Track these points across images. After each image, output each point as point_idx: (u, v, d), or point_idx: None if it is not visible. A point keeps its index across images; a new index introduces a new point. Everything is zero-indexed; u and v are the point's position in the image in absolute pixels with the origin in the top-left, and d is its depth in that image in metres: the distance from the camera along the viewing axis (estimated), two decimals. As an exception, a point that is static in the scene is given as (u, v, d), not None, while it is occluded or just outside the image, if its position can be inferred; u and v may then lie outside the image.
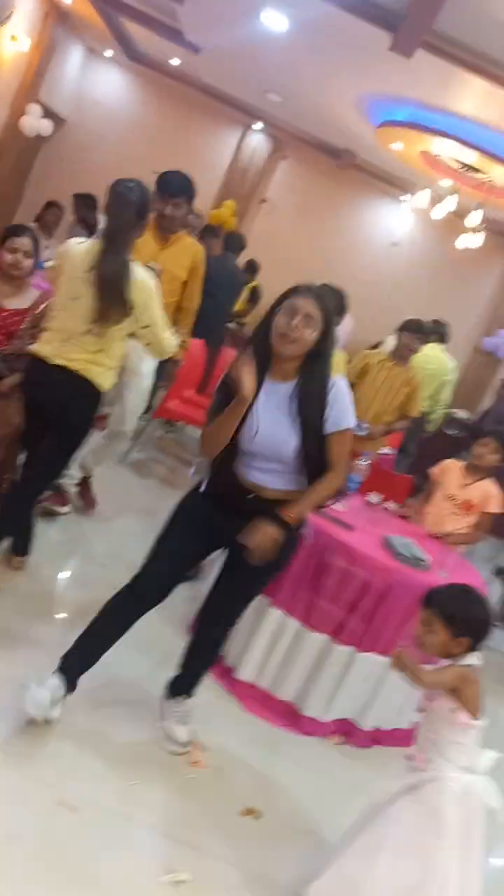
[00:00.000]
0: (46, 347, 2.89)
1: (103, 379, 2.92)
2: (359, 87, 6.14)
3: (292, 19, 5.24)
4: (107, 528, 4.08)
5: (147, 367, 3.66)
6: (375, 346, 7.13)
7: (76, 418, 2.97)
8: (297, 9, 5.00)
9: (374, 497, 3.54)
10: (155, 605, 2.42)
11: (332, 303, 2.22)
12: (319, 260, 9.43)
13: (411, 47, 4.60)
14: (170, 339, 3.06)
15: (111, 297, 2.78)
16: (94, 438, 3.92)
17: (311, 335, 2.22)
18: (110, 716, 2.59)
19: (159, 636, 3.08)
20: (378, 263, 9.76)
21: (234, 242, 6.49)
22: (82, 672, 2.38)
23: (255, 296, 8.94)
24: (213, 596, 2.58)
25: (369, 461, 3.85)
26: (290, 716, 3.00)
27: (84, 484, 4.07)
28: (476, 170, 6.48)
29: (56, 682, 2.32)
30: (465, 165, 6.50)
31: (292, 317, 2.20)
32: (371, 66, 5.44)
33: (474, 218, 6.78)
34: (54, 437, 2.99)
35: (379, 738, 3.12)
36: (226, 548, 2.51)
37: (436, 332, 7.08)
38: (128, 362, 3.37)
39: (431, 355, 6.93)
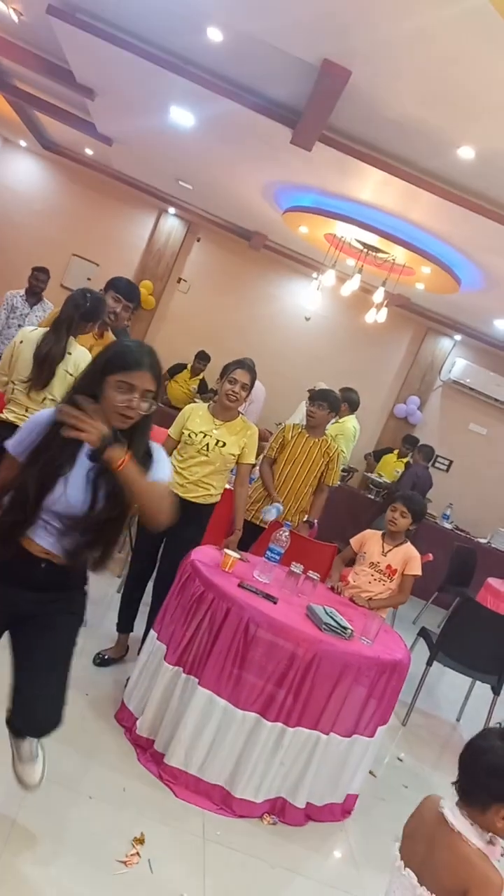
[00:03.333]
0: (11, 415, 3.51)
1: None
2: (264, 176, 6.48)
3: (198, 116, 5.54)
4: None
5: None
6: None
7: None
8: (201, 107, 5.30)
9: (296, 567, 3.58)
10: None
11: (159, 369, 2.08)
12: (235, 335, 9.73)
13: (310, 141, 4.93)
14: None
15: (43, 368, 3.46)
16: None
17: (146, 409, 2.05)
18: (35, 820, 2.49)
19: (83, 725, 3.00)
20: (292, 338, 10.12)
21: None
22: None
23: (202, 388, 9.10)
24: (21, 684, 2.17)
25: (289, 531, 3.92)
26: (222, 799, 2.93)
27: None
28: (378, 250, 6.88)
29: None
30: (367, 246, 6.90)
31: (130, 393, 2.00)
32: (274, 157, 5.78)
33: (379, 295, 7.15)
34: None
35: (312, 813, 3.08)
36: (18, 626, 2.20)
37: (346, 400, 7.36)
38: None
39: (352, 426, 7.20)
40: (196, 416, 3.72)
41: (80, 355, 3.53)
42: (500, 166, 4.42)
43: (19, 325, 7.06)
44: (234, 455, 3.74)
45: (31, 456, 2.07)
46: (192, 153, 6.70)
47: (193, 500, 3.69)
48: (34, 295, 7.01)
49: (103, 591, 4.72)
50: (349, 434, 7.04)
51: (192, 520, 3.71)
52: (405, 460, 9.22)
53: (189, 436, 3.67)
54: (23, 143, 10.02)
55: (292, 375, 9.17)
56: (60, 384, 3.48)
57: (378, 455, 9.73)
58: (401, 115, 4.29)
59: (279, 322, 10.23)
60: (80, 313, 3.55)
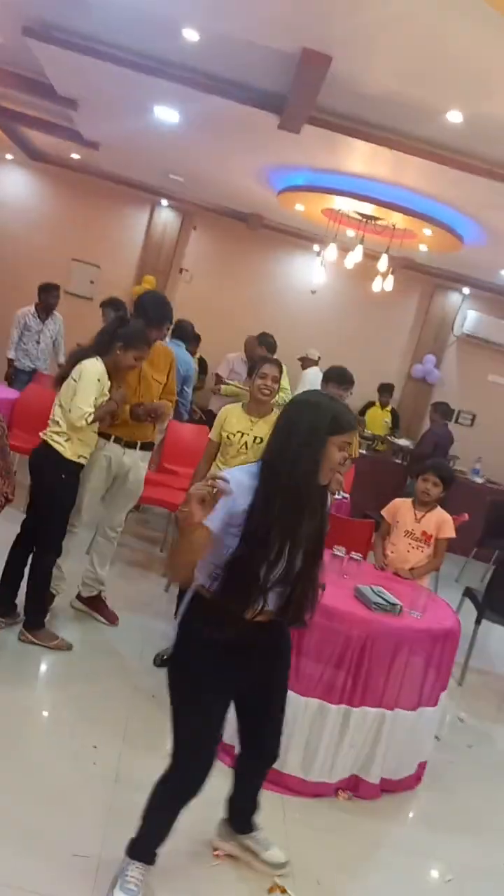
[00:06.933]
0: (44, 435, 3.65)
1: (62, 446, 3.57)
2: (255, 162, 6.49)
3: (183, 113, 5.56)
4: (81, 622, 4.13)
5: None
6: None
7: (43, 479, 3.62)
8: (185, 105, 5.31)
9: (338, 550, 3.67)
10: None
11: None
12: (243, 316, 9.72)
13: (298, 125, 4.94)
14: (80, 412, 3.50)
15: (69, 363, 3.64)
16: (96, 547, 4.18)
17: None
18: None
19: (155, 727, 3.13)
20: (301, 312, 10.11)
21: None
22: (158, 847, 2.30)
23: (202, 366, 9.17)
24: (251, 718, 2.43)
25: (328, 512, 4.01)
26: (297, 784, 3.06)
27: (99, 599, 4.21)
28: (377, 218, 6.88)
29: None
30: (366, 216, 6.89)
31: (345, 451, 2.13)
32: (263, 143, 5.78)
33: (383, 263, 7.15)
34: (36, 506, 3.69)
35: (387, 786, 3.21)
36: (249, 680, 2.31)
37: (264, 343, 7.37)
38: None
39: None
40: (232, 418, 3.84)
41: (89, 365, 3.55)
42: (489, 126, 4.40)
43: (36, 342, 7.26)
44: None
45: (250, 535, 1.99)
46: (180, 148, 6.71)
47: None
48: (46, 311, 7.19)
49: (151, 591, 4.87)
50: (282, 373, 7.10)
51: None
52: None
53: (228, 437, 3.81)
54: (9, 157, 10.05)
55: (304, 349, 9.17)
56: (66, 389, 3.57)
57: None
58: (385, 90, 4.29)
59: (286, 298, 10.23)
60: (115, 327, 3.63)
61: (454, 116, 4.40)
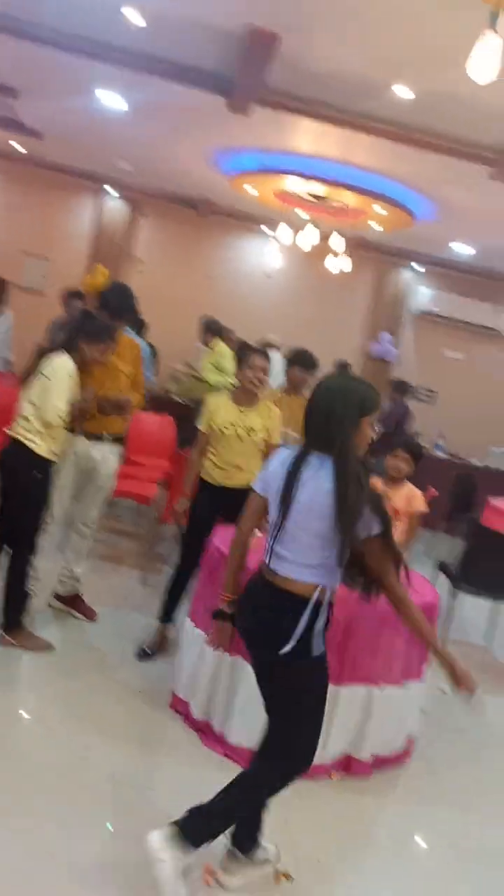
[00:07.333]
0: (10, 431, 3.53)
1: (35, 443, 3.47)
2: (204, 145, 6.41)
3: (128, 98, 5.45)
4: (59, 620, 4.06)
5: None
6: None
7: (16, 478, 3.54)
8: (130, 89, 5.21)
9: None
10: None
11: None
12: (199, 304, 9.63)
13: (246, 106, 4.88)
14: (57, 410, 3.44)
15: (35, 359, 3.58)
16: (71, 544, 4.10)
17: None
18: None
19: (143, 722, 3.09)
20: (256, 297, 10.07)
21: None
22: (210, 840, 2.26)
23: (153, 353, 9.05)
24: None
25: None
26: (290, 765, 3.06)
27: (76, 596, 4.15)
28: (329, 198, 6.86)
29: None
30: (318, 196, 6.87)
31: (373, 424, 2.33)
32: (212, 126, 5.71)
33: (337, 242, 7.15)
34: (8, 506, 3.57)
35: (378, 763, 3.23)
36: None
37: (210, 329, 7.49)
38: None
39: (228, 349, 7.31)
40: (220, 409, 3.78)
41: (60, 362, 3.52)
42: (439, 101, 4.41)
43: None
44: (263, 439, 3.81)
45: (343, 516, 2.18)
46: (127, 134, 6.60)
47: (240, 486, 3.73)
48: None
49: (125, 584, 4.82)
50: (229, 355, 7.17)
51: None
52: None
53: (220, 430, 3.75)
54: None
55: (261, 333, 9.12)
56: (37, 386, 3.49)
57: None
58: (333, 67, 4.27)
59: (241, 283, 10.18)
60: (80, 323, 3.61)
61: (404, 92, 4.40)
